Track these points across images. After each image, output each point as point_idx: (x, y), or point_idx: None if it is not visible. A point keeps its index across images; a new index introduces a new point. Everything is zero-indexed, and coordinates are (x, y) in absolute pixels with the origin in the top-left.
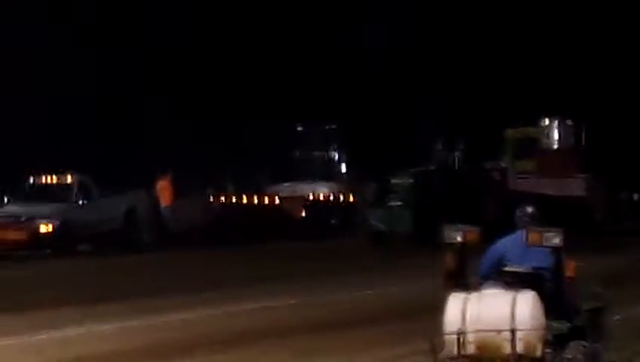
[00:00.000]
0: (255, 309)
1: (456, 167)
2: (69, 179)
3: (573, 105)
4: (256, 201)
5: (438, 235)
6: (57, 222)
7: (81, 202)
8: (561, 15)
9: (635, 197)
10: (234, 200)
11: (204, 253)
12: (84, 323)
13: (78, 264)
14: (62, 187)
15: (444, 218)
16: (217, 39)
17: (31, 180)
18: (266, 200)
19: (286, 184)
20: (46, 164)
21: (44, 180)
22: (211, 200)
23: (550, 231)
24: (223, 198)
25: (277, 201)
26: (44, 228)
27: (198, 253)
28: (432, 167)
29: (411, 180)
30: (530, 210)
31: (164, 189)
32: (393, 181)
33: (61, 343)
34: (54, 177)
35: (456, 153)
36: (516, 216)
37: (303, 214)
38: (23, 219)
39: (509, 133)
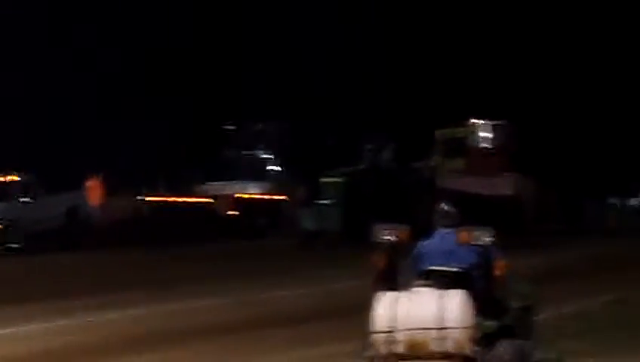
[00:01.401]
0: (187, 309)
1: (386, 167)
2: (12, 178)
3: (502, 106)
4: (186, 201)
5: (367, 234)
6: (1, 221)
7: (24, 201)
8: (490, 16)
9: (563, 195)
10: (164, 199)
11: (133, 253)
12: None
13: (9, 262)
14: (5, 186)
15: (373, 217)
16: (147, 44)
17: None
18: (196, 200)
19: (215, 183)
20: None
21: None
22: (142, 199)
23: (479, 230)
24: (153, 198)
25: (207, 201)
26: None
27: (127, 253)
28: (362, 167)
29: (341, 180)
30: (446, 207)
31: (93, 189)
32: (323, 181)
33: None
34: None
35: (386, 153)
36: (435, 215)
37: (233, 213)
38: None
39: (439, 133)
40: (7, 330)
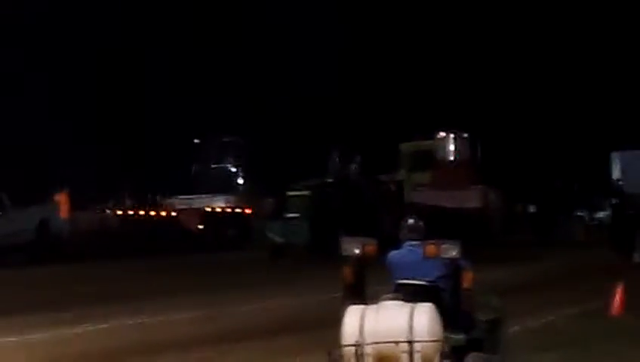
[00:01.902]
0: (157, 322)
1: (352, 180)
2: None
3: (467, 119)
4: (153, 214)
5: (334, 247)
6: None
7: None
8: (454, 31)
9: (530, 209)
10: (131, 213)
11: (101, 267)
12: None
13: None
14: None
15: (340, 230)
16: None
17: None
18: (163, 213)
19: (182, 197)
20: None
21: None
22: (109, 213)
23: (447, 243)
24: (120, 211)
25: (174, 214)
26: None
27: (95, 267)
28: (329, 180)
29: (308, 193)
30: (412, 222)
31: (61, 203)
32: (290, 194)
33: None
34: None
35: (352, 166)
36: (401, 229)
37: (200, 227)
38: None
39: (405, 146)
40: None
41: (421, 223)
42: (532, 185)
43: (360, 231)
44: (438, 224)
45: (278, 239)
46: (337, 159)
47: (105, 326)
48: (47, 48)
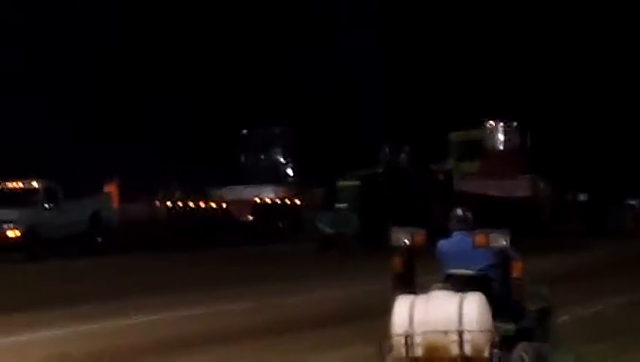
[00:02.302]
0: (208, 313)
1: (402, 170)
2: (34, 184)
3: (517, 108)
4: (203, 205)
5: (384, 237)
6: (24, 227)
7: (47, 206)
8: (505, 19)
9: (581, 197)
10: (181, 204)
11: (152, 258)
12: (28, 330)
13: (38, 268)
14: (28, 192)
15: (389, 220)
16: (158, 43)
17: None
18: (213, 204)
19: (232, 188)
20: (9, 170)
21: (9, 186)
22: (159, 204)
23: (496, 233)
24: (170, 203)
25: (224, 205)
26: (12, 233)
27: (147, 258)
28: (379, 170)
29: (358, 183)
30: (460, 212)
31: (111, 193)
32: (340, 184)
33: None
34: (20, 182)
35: (402, 156)
36: (450, 219)
37: (250, 218)
38: None
39: (454, 135)
40: (25, 337)
41: (469, 213)
42: (583, 174)
43: (409, 221)
44: (487, 213)
45: (328, 229)
46: (387, 150)
47: (156, 317)
48: (73, 45)
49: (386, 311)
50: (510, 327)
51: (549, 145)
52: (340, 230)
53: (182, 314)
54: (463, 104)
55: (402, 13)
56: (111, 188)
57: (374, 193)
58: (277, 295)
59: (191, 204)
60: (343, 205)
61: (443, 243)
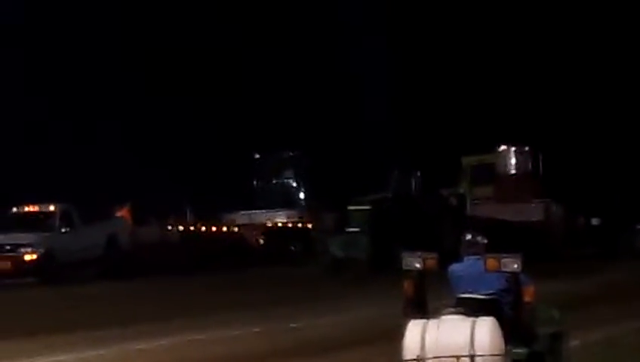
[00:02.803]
0: (220, 338)
1: (412, 195)
2: (51, 208)
3: (529, 132)
4: (215, 229)
5: (395, 261)
6: (41, 251)
7: (64, 230)
8: (516, 46)
9: (593, 222)
10: (193, 228)
11: (164, 282)
12: (44, 354)
13: (54, 292)
14: (45, 215)
15: (401, 244)
16: (177, 72)
17: (14, 209)
18: (225, 228)
19: (244, 212)
20: (25, 193)
21: (26, 209)
22: (170, 228)
23: (508, 257)
24: (182, 226)
25: (235, 229)
26: (29, 257)
27: (158, 282)
28: (389, 195)
29: (369, 207)
30: (469, 236)
31: (124, 217)
32: (351, 208)
33: None
34: (37, 206)
35: (413, 180)
36: (463, 241)
37: (262, 242)
38: (7, 247)
39: (466, 160)
40: (46, 360)
41: (479, 237)
42: (595, 198)
43: (420, 245)
44: (499, 237)
45: (339, 253)
46: (397, 174)
47: (162, 342)
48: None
49: (398, 335)
50: (522, 351)
51: (561, 169)
52: (351, 253)
53: (192, 338)
54: (474, 128)
55: (413, 37)
56: (123, 212)
57: (385, 217)
58: (285, 319)
59: (203, 228)
60: (354, 229)
61: (455, 267)
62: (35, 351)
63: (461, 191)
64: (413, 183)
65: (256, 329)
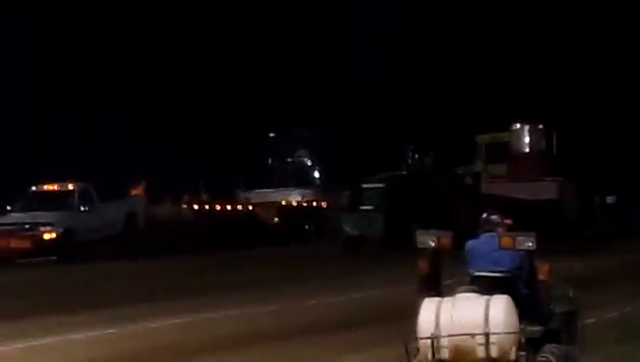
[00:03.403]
0: (236, 316)
1: (426, 173)
2: (70, 186)
3: (543, 110)
4: (230, 208)
5: (409, 239)
6: (61, 229)
7: (83, 209)
8: (530, 21)
9: (608, 200)
10: (208, 207)
11: (180, 261)
12: (59, 332)
13: (69, 271)
14: (63, 194)
15: (414, 223)
16: (192, 51)
17: (33, 188)
18: (240, 207)
19: (259, 191)
20: (44, 172)
21: (45, 188)
22: (185, 206)
23: (522, 235)
24: (196, 205)
25: (250, 208)
26: (48, 236)
27: (173, 261)
28: (403, 173)
29: (382, 185)
30: (488, 215)
31: (137, 197)
32: (365, 186)
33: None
34: (55, 185)
35: (426, 159)
36: (481, 220)
37: (277, 220)
38: (26, 226)
39: (481, 138)
40: (57, 338)
41: (495, 216)
42: (610, 176)
43: (435, 223)
44: (513, 216)
45: (353, 231)
46: (410, 153)
47: (182, 320)
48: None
49: (412, 313)
50: (537, 329)
51: (576, 147)
52: (365, 232)
53: (207, 316)
54: (488, 106)
55: (428, 15)
56: (138, 191)
57: (399, 195)
58: (304, 298)
59: (217, 207)
60: (368, 207)
61: (471, 243)
62: (50, 329)
63: (476, 169)
64: (427, 161)
65: (271, 308)
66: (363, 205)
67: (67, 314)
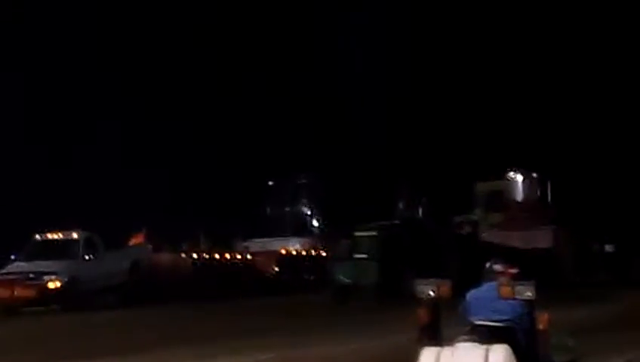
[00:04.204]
0: None
1: (418, 221)
2: (74, 235)
3: (539, 159)
4: (228, 257)
5: (404, 288)
6: (65, 278)
7: (87, 258)
8: (526, 69)
9: (607, 248)
10: (207, 256)
11: (180, 309)
12: None
13: (69, 320)
14: (68, 243)
15: (410, 271)
16: (192, 91)
17: (37, 237)
18: (239, 256)
19: (257, 240)
20: (48, 221)
21: (49, 237)
22: (184, 255)
23: (522, 284)
24: (195, 254)
25: (249, 257)
26: (52, 285)
27: (175, 309)
28: (396, 221)
29: (375, 233)
30: (490, 264)
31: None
32: (358, 234)
33: None
34: (60, 233)
35: (420, 206)
36: (485, 269)
37: (276, 269)
38: (31, 276)
39: (480, 186)
40: None
41: (498, 265)
42: (609, 225)
43: (429, 272)
44: (510, 264)
45: (346, 280)
46: (403, 201)
47: None
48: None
49: None
50: None
51: (574, 196)
52: (359, 281)
53: None
54: (484, 155)
55: (420, 61)
56: (139, 239)
57: (394, 243)
58: (302, 347)
59: (216, 256)
60: (362, 255)
61: (473, 292)
62: None
63: (475, 217)
64: (421, 209)
65: (270, 356)
66: (356, 253)
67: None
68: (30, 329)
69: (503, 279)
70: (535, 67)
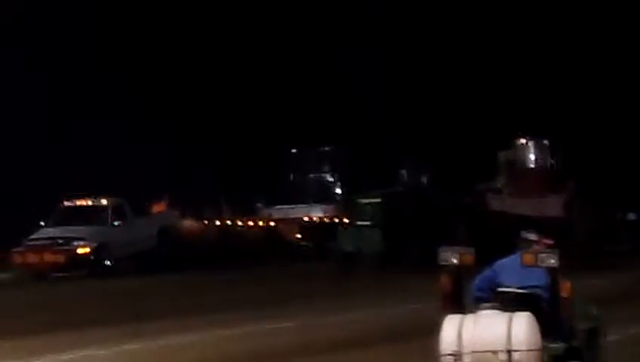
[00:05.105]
0: (256, 332)
1: (423, 190)
2: (103, 201)
3: (556, 126)
4: (251, 224)
5: (407, 255)
6: (94, 244)
7: (116, 223)
8: (538, 37)
9: (630, 216)
10: (229, 223)
11: (201, 277)
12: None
13: (102, 285)
14: (97, 209)
15: (414, 238)
16: (214, 62)
17: (66, 203)
18: (261, 223)
19: (280, 207)
20: (77, 187)
21: (79, 203)
22: (207, 223)
23: (545, 252)
24: (218, 221)
25: (272, 224)
26: (82, 250)
27: (200, 275)
28: (400, 189)
29: (379, 200)
30: (523, 232)
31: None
32: (361, 201)
33: None
34: (89, 200)
35: (423, 177)
36: (519, 238)
37: (299, 236)
38: (60, 241)
39: (502, 154)
40: (83, 353)
41: (532, 234)
42: (631, 194)
43: (432, 239)
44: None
45: (349, 247)
46: (407, 169)
47: (198, 337)
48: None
49: (434, 330)
50: (559, 347)
51: (596, 165)
52: (363, 248)
53: (228, 333)
54: (496, 122)
55: (426, 34)
56: (160, 207)
57: (398, 210)
58: (323, 314)
59: (239, 223)
60: (365, 222)
61: (500, 261)
62: (69, 344)
63: (498, 185)
64: (424, 179)
65: (291, 324)
66: (359, 220)
67: (83, 329)
68: (56, 294)
69: (537, 247)
70: (547, 30)
